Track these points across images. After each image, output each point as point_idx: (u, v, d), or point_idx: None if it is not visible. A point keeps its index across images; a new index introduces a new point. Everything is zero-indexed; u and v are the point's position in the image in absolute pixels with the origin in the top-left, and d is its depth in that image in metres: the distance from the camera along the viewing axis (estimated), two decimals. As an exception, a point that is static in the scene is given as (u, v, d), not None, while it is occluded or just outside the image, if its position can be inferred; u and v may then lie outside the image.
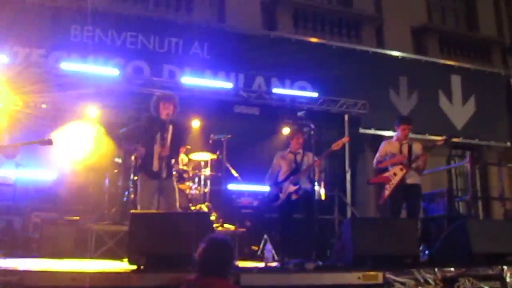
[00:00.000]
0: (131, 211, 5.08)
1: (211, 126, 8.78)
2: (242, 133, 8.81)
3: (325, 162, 9.77)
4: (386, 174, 6.21)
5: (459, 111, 12.69)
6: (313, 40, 11.41)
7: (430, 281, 4.60)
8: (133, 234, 4.41)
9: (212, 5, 11.21)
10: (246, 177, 8.35)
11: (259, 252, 7.12)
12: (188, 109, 7.99)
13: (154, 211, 5.26)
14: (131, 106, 8.69)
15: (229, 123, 9.02)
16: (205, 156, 8.09)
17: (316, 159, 6.02)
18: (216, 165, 8.24)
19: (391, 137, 7.13)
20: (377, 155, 6.45)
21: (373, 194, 10.43)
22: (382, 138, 9.66)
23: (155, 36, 10.03)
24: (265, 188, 6.88)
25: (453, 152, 13.13)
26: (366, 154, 10.72)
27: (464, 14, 14.85)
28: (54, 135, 6.75)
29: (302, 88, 10.48)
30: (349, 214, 9.29)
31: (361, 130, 10.26)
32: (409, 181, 6.16)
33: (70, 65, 8.68)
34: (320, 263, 5.08)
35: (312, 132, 6.01)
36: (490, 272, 4.89)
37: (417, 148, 6.35)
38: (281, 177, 6.26)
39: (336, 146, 6.05)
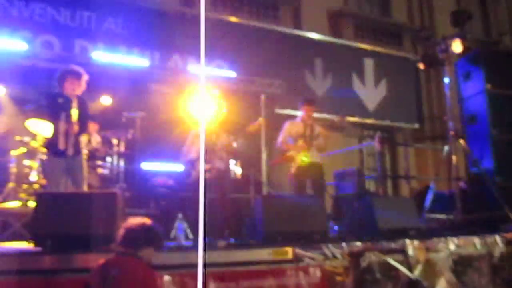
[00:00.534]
0: (36, 191, 4.88)
1: (124, 103, 8.51)
2: (157, 111, 8.65)
3: (242, 142, 9.81)
4: (290, 154, 6.34)
5: (371, 93, 13.18)
6: (231, 19, 11.35)
7: (338, 255, 4.77)
8: (38, 215, 4.28)
9: (128, -21, 10.86)
10: (161, 155, 8.22)
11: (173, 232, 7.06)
12: (100, 86, 7.73)
13: (60, 191, 5.07)
14: (40, 82, 8.25)
15: (143, 101, 8.80)
16: (118, 134, 7.86)
17: (231, 138, 6.04)
18: (129, 144, 8.02)
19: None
20: (281, 135, 6.56)
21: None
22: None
23: (66, 9, 9.54)
24: (180, 167, 6.81)
25: (365, 132, 13.68)
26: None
27: (378, 0, 15.37)
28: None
29: (219, 67, 10.42)
30: (265, 193, 9.40)
31: (277, 110, 10.38)
32: (311, 159, 6.33)
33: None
34: (232, 240, 5.12)
35: (225, 111, 6.00)
36: (394, 246, 5.14)
37: (318, 128, 6.55)
38: (194, 155, 6.24)
39: (251, 128, 6.11)
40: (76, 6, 9.60)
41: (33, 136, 7.16)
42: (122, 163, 7.80)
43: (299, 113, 6.61)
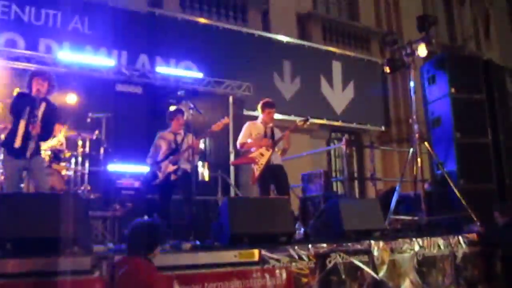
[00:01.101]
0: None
1: (90, 104, 8.34)
2: (124, 112, 8.54)
3: (210, 143, 9.77)
4: (252, 155, 6.32)
5: (339, 96, 13.32)
6: (200, 20, 11.33)
7: (304, 257, 4.77)
8: (-4, 217, 4.12)
9: (94, -22, 10.70)
10: (127, 157, 8.10)
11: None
12: (66, 86, 7.58)
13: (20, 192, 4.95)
14: (3, 81, 8.04)
15: (110, 102, 8.65)
16: (83, 136, 7.70)
17: (195, 140, 5.99)
18: (95, 145, 7.87)
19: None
20: (241, 135, 6.52)
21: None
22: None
23: (31, 7, 9.41)
24: (146, 169, 6.74)
25: (333, 135, 13.81)
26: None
27: (347, 4, 15.54)
28: None
29: (188, 68, 10.39)
30: (233, 195, 9.39)
31: (246, 112, 10.36)
32: (274, 162, 6.34)
33: None
34: (198, 242, 5.08)
35: (191, 112, 5.95)
36: (359, 247, 5.17)
37: (278, 131, 6.58)
38: (160, 156, 6.19)
39: (216, 127, 6.07)
40: (41, 4, 9.44)
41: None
42: (87, 164, 7.65)
43: (260, 115, 6.59)
